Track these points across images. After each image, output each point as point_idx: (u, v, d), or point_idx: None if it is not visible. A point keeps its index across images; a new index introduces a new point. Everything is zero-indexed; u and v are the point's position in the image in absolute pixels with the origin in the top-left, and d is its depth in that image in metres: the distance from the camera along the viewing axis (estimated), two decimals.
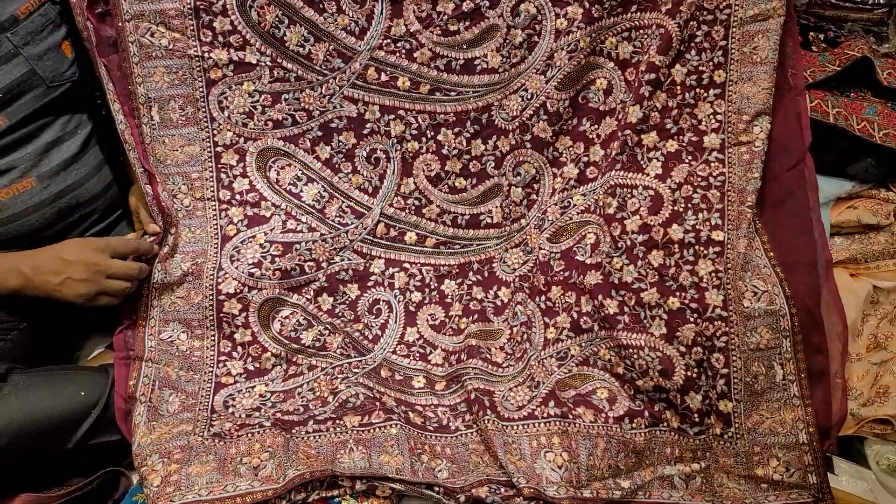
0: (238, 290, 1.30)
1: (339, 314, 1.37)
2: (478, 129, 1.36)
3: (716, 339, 1.22)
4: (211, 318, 1.29)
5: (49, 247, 1.21)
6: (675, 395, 1.22)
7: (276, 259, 1.32)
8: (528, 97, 1.34)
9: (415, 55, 1.31)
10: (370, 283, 1.40)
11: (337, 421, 1.23)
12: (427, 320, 1.40)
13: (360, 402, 1.27)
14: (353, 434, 1.22)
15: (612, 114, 1.36)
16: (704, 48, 1.30)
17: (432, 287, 1.41)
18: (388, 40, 1.30)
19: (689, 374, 1.21)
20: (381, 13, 1.28)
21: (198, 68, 1.28)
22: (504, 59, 1.31)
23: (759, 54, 1.27)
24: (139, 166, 1.28)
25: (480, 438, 1.22)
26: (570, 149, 1.39)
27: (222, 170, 1.33)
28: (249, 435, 1.19)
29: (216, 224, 1.33)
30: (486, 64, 1.31)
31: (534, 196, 1.41)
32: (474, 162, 1.38)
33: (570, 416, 1.24)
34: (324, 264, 1.36)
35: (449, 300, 1.41)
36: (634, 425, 1.24)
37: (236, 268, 1.30)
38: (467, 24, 1.29)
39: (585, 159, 1.39)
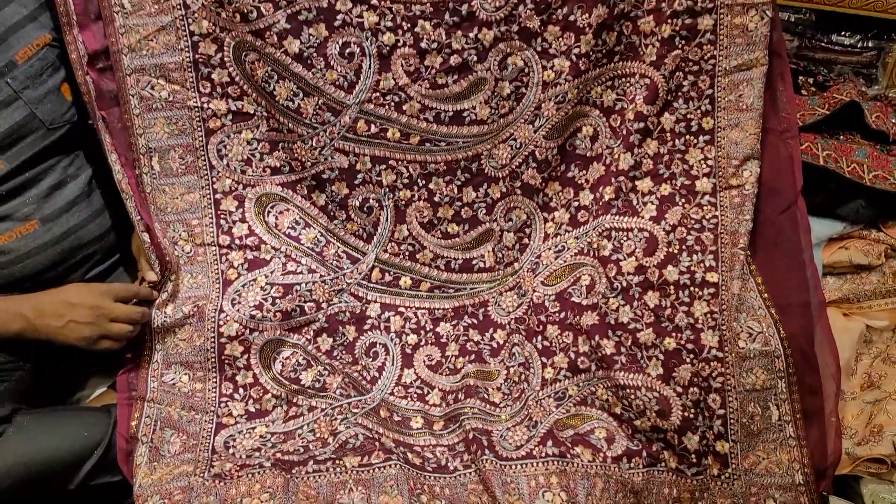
0: (240, 333, 1.31)
1: (337, 356, 1.38)
2: (468, 178, 1.38)
3: (712, 379, 1.22)
4: (213, 360, 1.31)
5: (51, 290, 1.23)
6: (672, 435, 1.22)
7: (277, 301, 1.34)
8: (517, 146, 1.36)
9: (404, 108, 1.33)
10: (367, 327, 1.41)
11: (337, 461, 1.24)
12: (424, 361, 1.41)
13: (359, 443, 1.27)
14: (353, 474, 1.22)
15: (599, 159, 1.40)
16: (692, 97, 1.33)
17: (428, 329, 1.43)
18: (377, 94, 1.32)
19: (686, 414, 1.22)
20: (370, 67, 1.30)
21: (197, 118, 1.32)
22: (492, 111, 1.34)
23: (745, 101, 1.31)
24: (136, 215, 1.30)
25: (479, 478, 1.22)
26: (560, 194, 1.42)
27: (222, 216, 1.35)
28: (250, 476, 1.20)
29: (217, 269, 1.35)
30: (475, 115, 1.34)
31: (526, 240, 1.44)
32: (466, 208, 1.41)
33: (569, 456, 1.25)
34: (323, 305, 1.38)
35: (444, 341, 1.42)
36: (632, 465, 1.24)
37: (237, 310, 1.32)
38: (455, 77, 1.32)
39: (576, 204, 1.42)
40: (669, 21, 1.29)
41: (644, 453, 1.25)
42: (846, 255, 1.50)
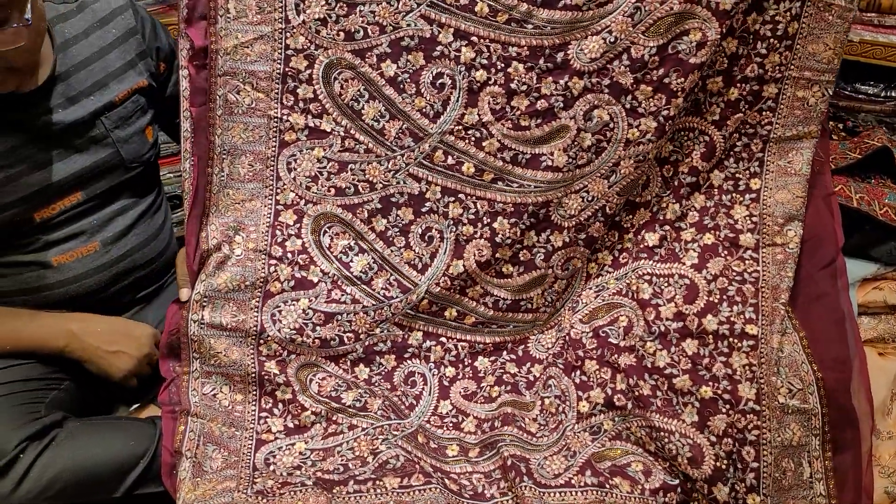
0: (277, 353, 1.31)
1: (376, 384, 1.38)
2: (534, 222, 1.38)
3: (747, 431, 1.25)
4: (253, 374, 1.31)
5: (111, 317, 1.32)
6: (701, 485, 1.25)
7: (318, 328, 1.33)
8: (589, 199, 1.37)
9: (483, 144, 1.34)
10: (407, 355, 1.41)
11: (377, 482, 1.25)
12: (460, 392, 1.42)
13: (399, 464, 1.28)
14: (394, 496, 1.23)
15: (647, 206, 1.43)
16: (742, 157, 1.38)
17: (466, 363, 1.43)
18: (460, 127, 1.33)
19: (718, 464, 1.24)
20: (458, 100, 1.32)
21: (274, 129, 1.33)
22: (570, 160, 1.34)
23: (794, 167, 1.36)
24: (187, 209, 1.32)
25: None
26: (605, 237, 1.45)
27: (278, 227, 1.34)
28: (292, 494, 1.20)
29: (264, 277, 1.33)
30: (552, 161, 1.34)
31: (571, 281, 1.46)
32: (524, 251, 1.41)
33: (608, 486, 1.27)
34: (362, 336, 1.37)
35: (482, 375, 1.44)
36: (668, 499, 1.26)
37: (279, 330, 1.31)
38: (539, 121, 1.33)
39: (619, 246, 1.45)
40: (738, 85, 1.33)
41: (679, 489, 1.27)
42: (881, 296, 1.55)
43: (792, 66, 1.32)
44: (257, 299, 1.32)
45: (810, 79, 1.33)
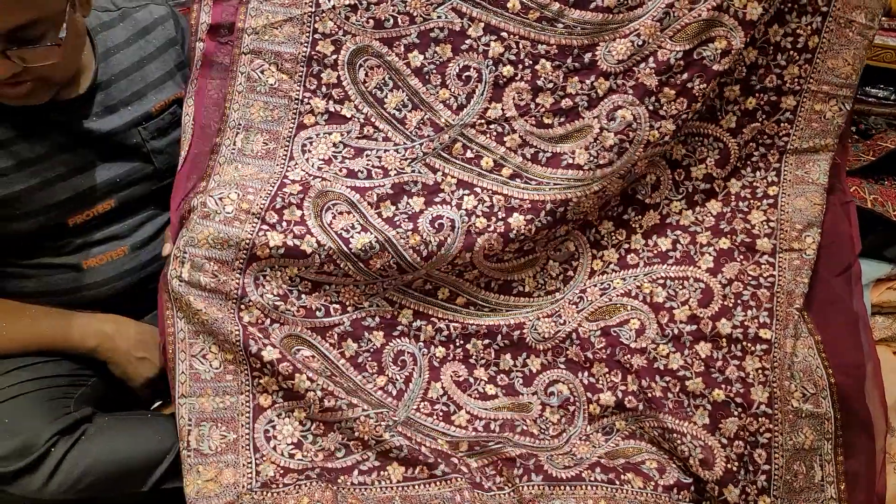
0: (259, 321, 1.25)
1: (362, 364, 1.34)
2: (550, 221, 1.34)
3: (759, 434, 1.25)
4: (237, 333, 1.22)
5: (144, 324, 1.32)
6: (712, 486, 1.25)
7: (303, 296, 1.29)
8: (606, 198, 1.37)
9: (505, 139, 1.34)
10: (396, 333, 1.37)
11: (381, 472, 1.24)
12: (451, 376, 1.38)
13: (403, 454, 1.25)
14: (399, 491, 1.22)
15: (656, 208, 1.43)
16: (759, 167, 1.39)
17: (457, 344, 1.39)
18: (483, 120, 1.34)
19: (729, 466, 1.25)
20: (482, 94, 1.33)
21: (294, 111, 1.33)
22: (591, 158, 1.33)
23: (811, 177, 1.37)
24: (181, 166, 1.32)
25: (517, 498, 1.22)
26: (612, 234, 1.44)
27: (279, 195, 1.28)
28: (297, 487, 1.19)
29: (250, 240, 1.24)
30: (573, 160, 1.33)
31: (571, 273, 1.45)
32: (528, 243, 1.38)
33: (619, 482, 1.26)
34: (349, 309, 1.33)
35: (473, 361, 1.39)
36: (681, 497, 1.26)
37: (261, 296, 1.25)
38: (562, 119, 1.34)
39: (626, 246, 1.44)
40: (756, 95, 1.34)
41: (692, 488, 1.27)
42: (894, 296, 1.56)
43: (811, 80, 1.34)
44: (241, 261, 1.24)
45: (828, 93, 1.34)
